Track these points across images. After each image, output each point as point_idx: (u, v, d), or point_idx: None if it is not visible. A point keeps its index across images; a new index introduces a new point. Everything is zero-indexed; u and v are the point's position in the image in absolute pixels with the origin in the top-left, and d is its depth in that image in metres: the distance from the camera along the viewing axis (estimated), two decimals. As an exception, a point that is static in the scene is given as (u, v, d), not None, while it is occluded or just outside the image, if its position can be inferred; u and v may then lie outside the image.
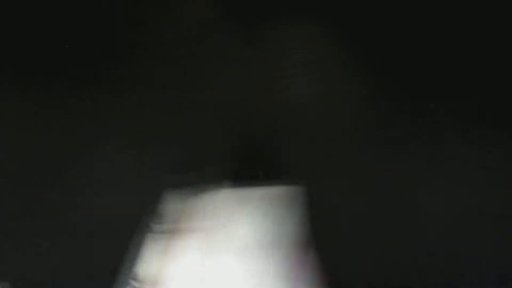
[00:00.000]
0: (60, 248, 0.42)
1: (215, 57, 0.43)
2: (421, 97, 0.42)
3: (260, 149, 0.43)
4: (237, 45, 0.44)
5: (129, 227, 0.42)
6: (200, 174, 0.40)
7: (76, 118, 0.44)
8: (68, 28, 0.45)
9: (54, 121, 0.44)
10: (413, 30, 0.42)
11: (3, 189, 0.43)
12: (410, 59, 0.43)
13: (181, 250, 0.35)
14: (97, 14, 0.45)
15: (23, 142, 0.44)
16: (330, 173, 0.42)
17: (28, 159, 0.43)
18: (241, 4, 0.45)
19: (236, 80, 0.43)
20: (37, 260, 0.42)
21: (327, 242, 0.38)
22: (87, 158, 0.43)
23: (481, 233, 0.39)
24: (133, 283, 0.35)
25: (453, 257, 0.40)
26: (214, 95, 0.43)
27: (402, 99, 0.42)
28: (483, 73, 0.42)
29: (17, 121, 0.44)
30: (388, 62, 0.43)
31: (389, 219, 0.40)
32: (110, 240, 0.42)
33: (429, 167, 0.41)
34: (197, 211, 0.36)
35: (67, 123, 0.43)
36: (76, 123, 0.43)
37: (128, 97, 0.44)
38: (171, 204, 0.37)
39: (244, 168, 0.42)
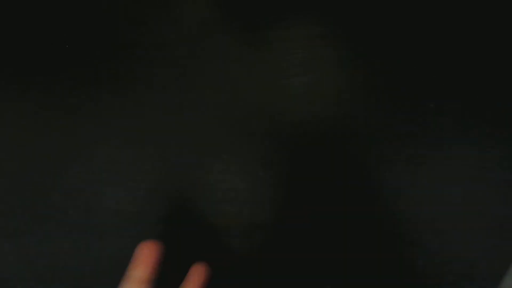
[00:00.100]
0: (59, 248, 0.42)
1: (215, 57, 0.43)
2: (422, 97, 0.42)
3: (259, 149, 0.43)
4: (237, 45, 0.44)
5: (129, 228, 0.42)
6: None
7: (76, 118, 0.44)
8: (68, 28, 0.45)
9: (54, 121, 0.44)
10: (413, 30, 0.42)
11: (3, 189, 0.43)
12: (410, 59, 0.43)
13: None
14: (97, 14, 0.45)
15: (23, 142, 0.44)
16: (329, 173, 0.42)
17: (28, 159, 0.43)
18: (241, 4, 0.45)
19: (236, 80, 0.43)
20: (37, 261, 0.42)
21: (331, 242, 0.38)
22: (87, 158, 0.43)
23: (480, 233, 0.40)
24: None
25: (452, 256, 0.40)
26: (214, 95, 0.43)
27: (403, 98, 0.42)
28: (484, 73, 0.42)
29: (17, 121, 0.44)
30: (388, 62, 0.43)
31: (391, 220, 0.40)
32: (111, 240, 0.42)
33: (430, 169, 0.41)
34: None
35: (67, 123, 0.43)
36: (76, 123, 0.43)
37: (128, 97, 0.44)
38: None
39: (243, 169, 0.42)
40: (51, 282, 0.42)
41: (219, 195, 0.42)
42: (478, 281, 0.40)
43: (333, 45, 0.44)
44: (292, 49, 0.43)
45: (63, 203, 0.42)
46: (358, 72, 0.43)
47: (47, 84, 0.44)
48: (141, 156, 0.42)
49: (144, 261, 0.35)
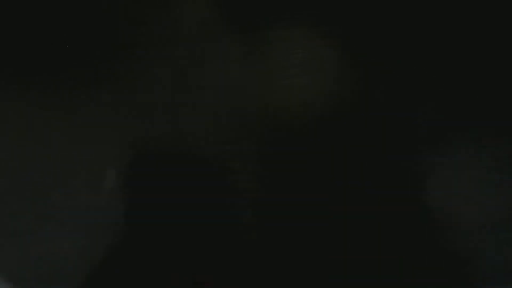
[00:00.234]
0: (59, 248, 0.42)
1: (215, 57, 0.43)
2: (423, 97, 0.42)
3: (259, 148, 0.43)
4: (237, 45, 0.44)
5: (129, 226, 0.42)
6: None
7: (76, 118, 0.44)
8: (68, 28, 0.45)
9: (54, 121, 0.44)
10: (413, 29, 0.42)
11: (3, 189, 0.43)
12: (411, 59, 0.43)
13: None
14: (97, 14, 0.45)
15: (23, 142, 0.44)
16: (329, 173, 0.42)
17: (28, 159, 0.43)
18: (241, 4, 0.45)
19: (236, 80, 0.43)
20: (37, 261, 0.42)
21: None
22: (86, 158, 0.43)
23: (483, 233, 0.40)
24: None
25: (454, 257, 0.40)
26: (214, 95, 0.43)
27: (403, 98, 0.42)
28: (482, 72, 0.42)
29: (17, 121, 0.44)
30: (389, 62, 0.43)
31: (392, 220, 0.40)
32: (111, 239, 0.42)
33: (430, 167, 0.41)
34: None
35: (67, 123, 0.44)
36: (75, 123, 0.44)
37: (128, 97, 0.44)
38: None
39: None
40: (51, 283, 0.42)
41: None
42: (475, 282, 0.40)
43: (333, 45, 0.44)
44: (292, 49, 0.43)
45: (63, 203, 0.42)
46: (358, 72, 0.43)
47: (47, 84, 0.44)
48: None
49: None
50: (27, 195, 0.43)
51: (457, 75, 0.43)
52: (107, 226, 0.42)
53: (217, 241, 0.42)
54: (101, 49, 0.44)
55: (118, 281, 0.43)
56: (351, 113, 0.42)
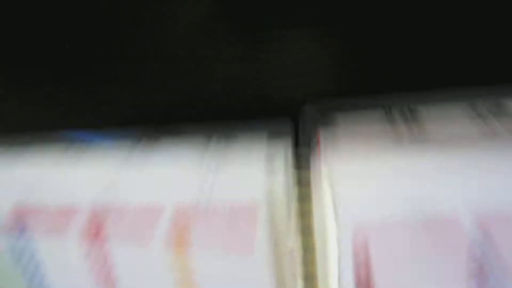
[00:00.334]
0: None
1: (215, 57, 0.44)
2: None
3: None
4: (237, 45, 0.44)
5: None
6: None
7: (75, 118, 0.44)
8: (68, 28, 0.45)
9: (54, 121, 0.44)
10: (414, 29, 0.42)
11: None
12: (412, 58, 0.43)
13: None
14: (97, 14, 0.45)
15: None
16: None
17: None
18: (241, 4, 0.45)
19: (235, 80, 0.44)
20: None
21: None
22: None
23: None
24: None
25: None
26: (214, 95, 0.43)
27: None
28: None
29: (17, 121, 0.44)
30: (389, 61, 0.43)
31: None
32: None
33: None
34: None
35: (66, 123, 0.44)
36: (75, 123, 0.44)
37: (128, 97, 0.44)
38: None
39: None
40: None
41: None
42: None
43: (333, 45, 0.44)
44: (292, 49, 0.43)
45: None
46: (358, 72, 0.43)
47: (47, 84, 0.44)
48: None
49: None
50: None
51: None
52: None
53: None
54: (101, 49, 0.44)
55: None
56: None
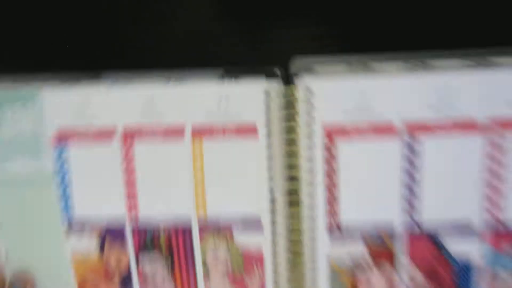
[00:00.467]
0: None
1: (215, 57, 0.44)
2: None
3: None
4: (237, 45, 0.44)
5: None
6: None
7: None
8: (68, 28, 0.45)
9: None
10: (414, 29, 0.42)
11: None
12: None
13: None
14: (97, 14, 0.45)
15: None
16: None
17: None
18: (242, 4, 0.45)
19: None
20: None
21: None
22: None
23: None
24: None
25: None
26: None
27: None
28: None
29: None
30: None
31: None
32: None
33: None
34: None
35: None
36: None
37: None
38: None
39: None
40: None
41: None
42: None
43: (333, 45, 0.44)
44: (292, 49, 0.43)
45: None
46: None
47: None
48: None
49: None
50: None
51: None
52: None
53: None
54: (101, 49, 0.44)
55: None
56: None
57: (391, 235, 0.37)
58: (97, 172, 0.40)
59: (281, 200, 0.38)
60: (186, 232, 0.40)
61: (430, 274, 0.37)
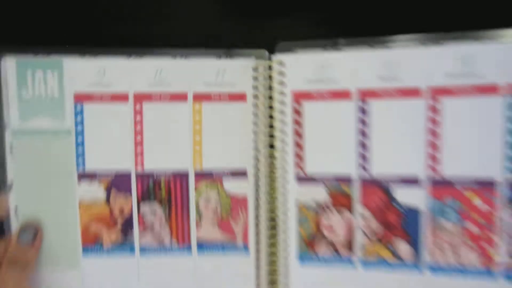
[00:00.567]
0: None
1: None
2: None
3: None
4: (238, 44, 0.45)
5: None
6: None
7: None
8: (68, 28, 0.47)
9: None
10: (414, 29, 0.43)
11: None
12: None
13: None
14: (97, 14, 0.47)
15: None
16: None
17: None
18: (242, 4, 0.47)
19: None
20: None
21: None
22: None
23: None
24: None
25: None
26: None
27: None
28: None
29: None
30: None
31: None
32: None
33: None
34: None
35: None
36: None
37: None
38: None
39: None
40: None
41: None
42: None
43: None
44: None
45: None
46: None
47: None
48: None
49: None
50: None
51: None
52: None
53: None
54: (101, 49, 0.45)
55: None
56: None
57: (348, 184, 0.43)
58: (110, 130, 0.44)
59: (263, 154, 0.45)
60: (183, 181, 0.45)
61: (381, 218, 0.43)
